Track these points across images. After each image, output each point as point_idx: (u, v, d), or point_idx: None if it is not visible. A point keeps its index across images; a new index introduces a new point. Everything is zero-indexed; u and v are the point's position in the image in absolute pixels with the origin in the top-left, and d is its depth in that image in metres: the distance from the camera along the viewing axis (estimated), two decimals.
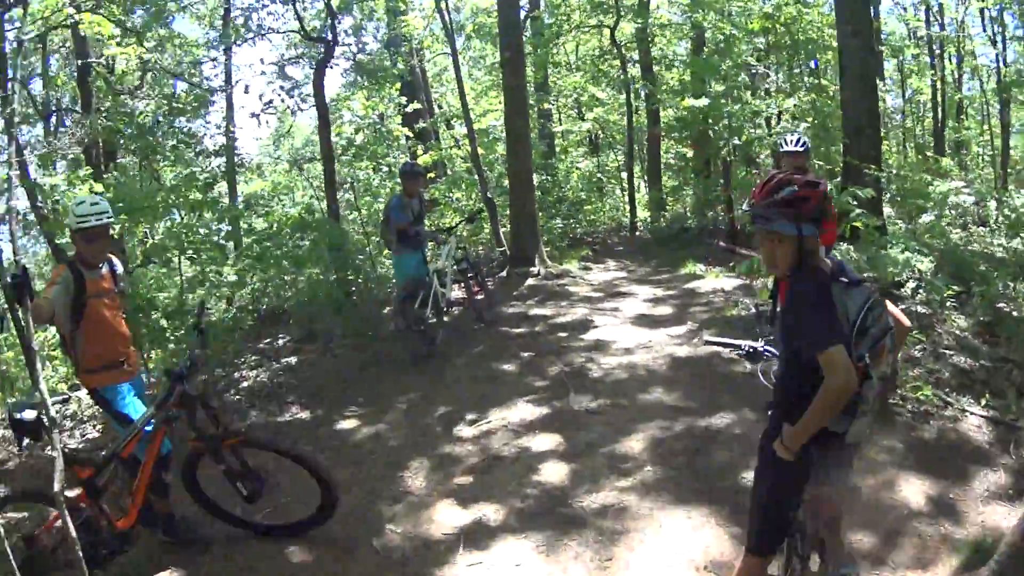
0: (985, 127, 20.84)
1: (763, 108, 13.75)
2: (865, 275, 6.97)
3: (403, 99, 15.02)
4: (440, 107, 21.39)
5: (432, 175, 15.42)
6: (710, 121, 13.82)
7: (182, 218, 9.03)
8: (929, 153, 16.94)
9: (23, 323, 3.39)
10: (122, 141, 12.97)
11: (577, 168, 19.52)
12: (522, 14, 13.20)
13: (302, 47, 15.05)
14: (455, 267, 8.71)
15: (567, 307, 9.69)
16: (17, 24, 8.19)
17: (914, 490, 4.60)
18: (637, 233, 17.40)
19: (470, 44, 21.70)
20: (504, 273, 11.72)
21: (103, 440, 6.37)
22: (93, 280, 4.47)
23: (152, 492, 4.29)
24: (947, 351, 6.42)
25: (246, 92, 17.70)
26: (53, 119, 15.46)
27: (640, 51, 18.04)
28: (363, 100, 14.13)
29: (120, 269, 4.78)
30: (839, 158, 11.93)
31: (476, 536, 4.42)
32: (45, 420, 2.88)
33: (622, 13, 16.67)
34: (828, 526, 3.03)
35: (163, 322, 7.43)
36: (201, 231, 8.55)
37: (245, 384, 7.79)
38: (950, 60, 21.20)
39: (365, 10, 13.94)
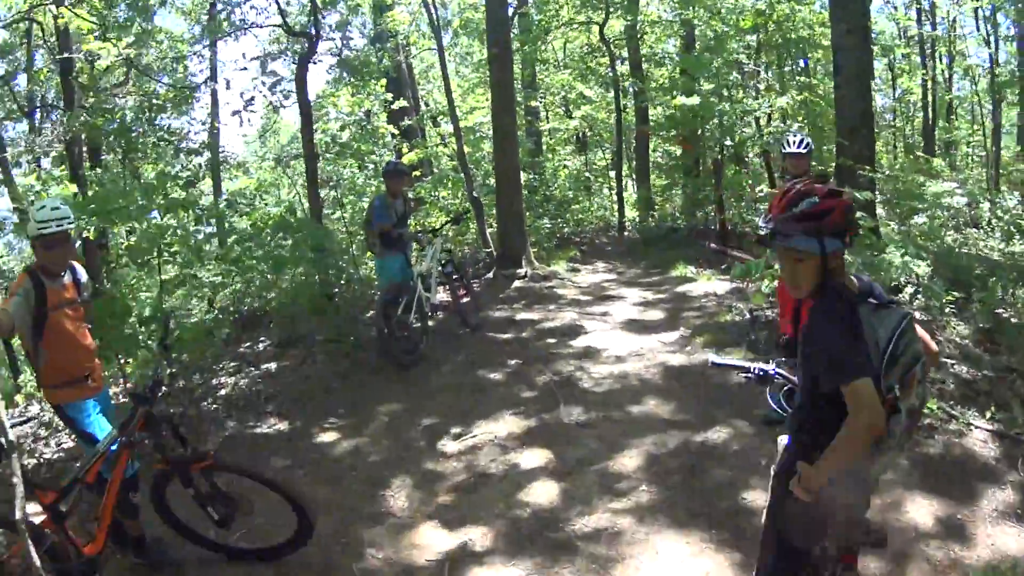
0: (975, 127, 20.77)
1: (755, 107, 13.52)
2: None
3: (389, 96, 14.72)
4: (426, 104, 21.09)
5: (418, 173, 15.16)
6: (701, 119, 13.60)
7: (161, 218, 8.71)
8: (919, 153, 16.80)
9: None
10: (105, 139, 12.65)
11: (565, 166, 19.29)
12: (510, 10, 12.92)
13: (285, 43, 14.74)
14: (440, 269, 8.43)
15: (555, 311, 9.43)
16: None
17: (921, 511, 4.38)
18: (626, 233, 17.18)
19: (457, 41, 21.44)
20: (490, 275, 11.45)
21: (78, 451, 6.07)
22: (55, 290, 4.18)
23: (121, 513, 4.04)
24: (949, 360, 6.20)
25: (227, 88, 17.34)
26: (38, 116, 15.11)
27: (629, 48, 17.81)
28: (349, 97, 13.84)
29: (84, 278, 4.48)
30: (832, 158, 11.73)
31: (461, 562, 4.16)
32: (4, 443, 2.63)
33: (611, 10, 16.41)
34: (846, 566, 2.79)
35: (137, 328, 7.12)
36: (179, 232, 8.23)
37: (223, 392, 7.49)
38: (940, 60, 21.10)
39: (351, 4, 13.67)
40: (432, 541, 4.40)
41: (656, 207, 17.67)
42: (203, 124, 16.49)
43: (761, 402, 5.77)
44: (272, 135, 24.42)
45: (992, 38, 18.67)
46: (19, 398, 8.79)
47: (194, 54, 16.26)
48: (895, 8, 20.99)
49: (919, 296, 7.34)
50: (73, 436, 5.72)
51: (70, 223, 4.15)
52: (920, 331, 2.58)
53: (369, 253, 8.92)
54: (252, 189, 15.97)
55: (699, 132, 14.87)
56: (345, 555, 4.31)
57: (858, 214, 7.29)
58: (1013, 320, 7.12)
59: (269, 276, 9.32)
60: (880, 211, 11.75)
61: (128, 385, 7.38)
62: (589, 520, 4.42)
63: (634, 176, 19.53)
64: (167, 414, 4.22)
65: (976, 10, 18.35)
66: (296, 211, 11.47)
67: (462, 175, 12.88)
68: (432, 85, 23.01)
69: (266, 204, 15.70)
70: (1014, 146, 20.19)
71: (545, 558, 4.11)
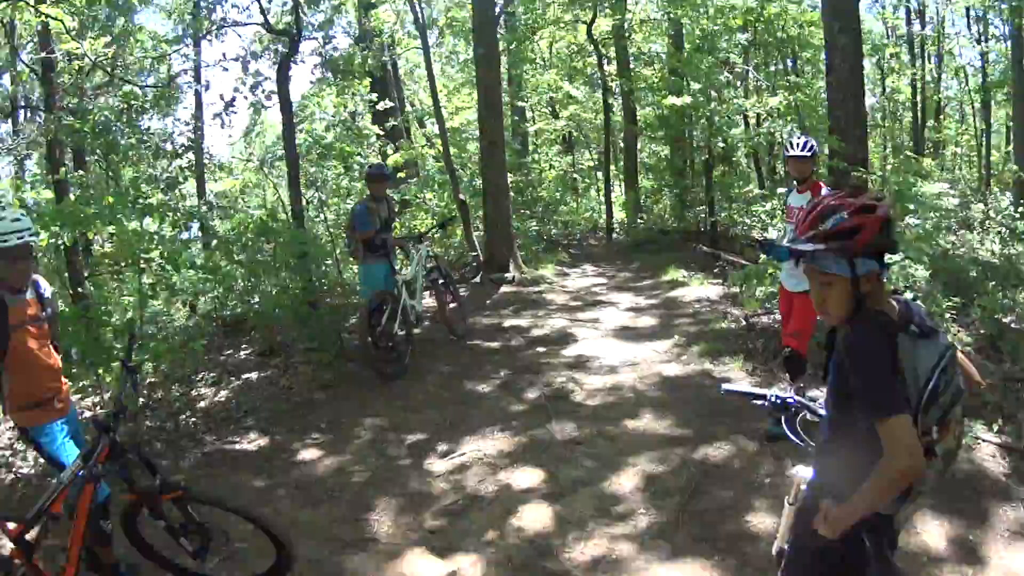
0: (963, 127, 20.70)
1: (747, 107, 13.33)
2: None
3: (374, 96, 14.43)
4: (412, 105, 20.77)
5: (402, 175, 14.90)
6: (692, 119, 13.40)
7: (140, 223, 8.41)
8: (909, 153, 16.65)
9: None
10: (84, 141, 12.31)
11: (552, 167, 19.07)
12: (496, 9, 12.66)
13: (268, 42, 14.42)
14: (425, 276, 8.16)
15: (544, 317, 9.19)
16: None
17: (933, 532, 4.15)
18: (614, 235, 16.99)
19: (443, 40, 21.15)
20: (477, 279, 11.21)
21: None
22: (17, 307, 3.86)
23: (93, 542, 3.76)
24: None
25: (206, 89, 17.00)
26: (22, 116, 14.77)
27: (617, 48, 17.59)
28: (334, 98, 13.57)
29: (48, 292, 4.16)
30: (823, 159, 11.54)
31: None
32: None
33: (599, 8, 16.19)
34: None
35: (112, 339, 6.82)
36: (156, 238, 7.94)
37: (203, 404, 7.21)
38: (928, 60, 21.02)
39: (335, 3, 13.34)
40: (419, 570, 4.13)
41: (645, 209, 17.46)
42: (187, 125, 16.19)
43: (761, 416, 5.56)
44: (258, 136, 24.05)
45: (983, 38, 18.59)
46: None
47: (174, 52, 15.86)
48: (883, 7, 20.88)
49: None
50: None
51: (32, 235, 3.85)
52: (963, 361, 2.34)
53: (352, 259, 8.61)
54: (236, 191, 15.77)
55: (688, 133, 14.68)
56: None
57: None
58: (1014, 326, 6.95)
59: (251, 281, 9.08)
60: None
61: (108, 396, 7.14)
62: (585, 547, 4.16)
63: (622, 177, 19.32)
64: (134, 441, 3.93)
65: (967, 9, 18.26)
66: (277, 214, 11.20)
67: (448, 177, 12.61)
68: (418, 86, 22.72)
69: (246, 207, 15.46)
70: (1004, 146, 20.13)
71: None
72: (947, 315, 6.98)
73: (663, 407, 6.01)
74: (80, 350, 6.50)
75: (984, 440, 5.12)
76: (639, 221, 16.33)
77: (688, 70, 13.55)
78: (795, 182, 5.25)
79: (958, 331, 7.11)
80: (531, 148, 20.38)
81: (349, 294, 10.04)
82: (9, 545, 3.54)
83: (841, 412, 2.25)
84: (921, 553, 3.99)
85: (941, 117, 22.07)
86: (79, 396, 7.79)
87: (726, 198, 14.71)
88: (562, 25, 18.67)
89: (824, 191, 5.05)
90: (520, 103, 19.37)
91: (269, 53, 13.77)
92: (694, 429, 5.54)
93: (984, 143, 18.63)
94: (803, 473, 2.74)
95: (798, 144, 5.02)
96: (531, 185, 17.30)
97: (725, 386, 2.89)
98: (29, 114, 14.89)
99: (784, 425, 2.79)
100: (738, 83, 16.18)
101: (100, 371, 6.89)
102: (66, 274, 11.47)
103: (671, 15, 15.19)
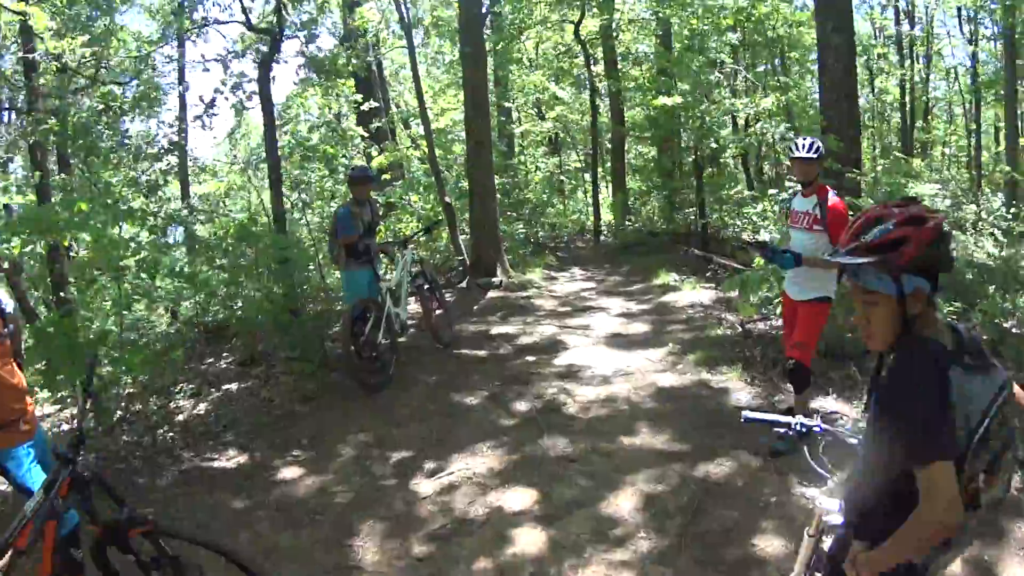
0: (951, 127, 20.64)
1: (739, 107, 13.13)
2: None
3: (358, 97, 14.12)
4: (397, 106, 20.46)
5: (387, 176, 14.61)
6: (683, 120, 13.19)
7: (118, 229, 8.09)
8: (898, 154, 16.54)
9: None
10: (63, 143, 11.98)
11: (538, 169, 18.83)
12: (483, 8, 12.40)
13: (251, 42, 14.11)
14: (411, 282, 7.88)
15: (533, 324, 8.92)
16: None
17: None
18: (602, 238, 16.76)
19: (428, 40, 20.88)
20: (464, 284, 10.93)
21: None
22: None
23: (63, 571, 3.47)
24: None
25: (186, 90, 16.65)
26: (5, 117, 14.42)
27: (604, 48, 17.38)
28: (320, 99, 13.28)
29: (9, 307, 3.87)
30: None
31: None
32: None
33: (587, 8, 15.97)
34: None
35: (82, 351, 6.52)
36: (131, 245, 7.62)
37: (181, 417, 6.91)
38: (917, 60, 20.94)
39: (319, 2, 13.05)
40: None
41: (633, 211, 17.24)
42: (171, 127, 15.84)
43: (763, 429, 5.32)
44: (243, 138, 23.70)
45: (973, 38, 18.52)
46: None
47: (156, 52, 15.53)
48: (871, 8, 20.78)
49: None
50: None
51: None
52: (1020, 396, 2.07)
53: (335, 266, 8.30)
54: (221, 193, 15.47)
55: (677, 133, 14.48)
56: None
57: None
58: (1015, 331, 6.76)
59: (233, 286, 8.80)
60: None
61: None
62: (583, 575, 3.91)
63: (609, 179, 19.11)
64: (97, 471, 3.64)
65: (959, 9, 18.16)
66: (258, 218, 10.92)
67: (433, 179, 12.32)
68: (403, 87, 22.42)
69: (228, 210, 15.14)
70: (993, 146, 20.09)
71: None
72: (945, 320, 6.79)
73: (659, 420, 5.75)
74: (55, 361, 6.23)
75: None
76: (627, 223, 16.10)
77: (678, 70, 13.33)
78: (800, 185, 4.97)
79: None
80: (517, 149, 20.12)
81: (333, 300, 9.76)
82: None
83: (879, 448, 2.00)
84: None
85: (929, 118, 22.00)
86: (58, 407, 7.55)
87: (716, 200, 14.52)
88: (549, 25, 18.45)
89: (830, 195, 4.81)
90: (507, 103, 19.11)
91: (251, 53, 13.50)
92: (693, 444, 5.29)
93: (975, 143, 18.54)
94: (826, 504, 2.52)
95: (803, 145, 4.76)
96: (518, 187, 17.04)
97: (746, 413, 2.64)
98: (14, 116, 14.52)
99: (807, 454, 2.54)
100: (727, 83, 15.99)
101: (77, 382, 6.62)
102: (48, 280, 11.18)
103: (660, 15, 14.98)
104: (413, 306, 8.64)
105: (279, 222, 10.39)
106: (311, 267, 10.04)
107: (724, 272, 10.73)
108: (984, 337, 6.62)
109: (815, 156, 4.72)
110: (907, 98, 20.44)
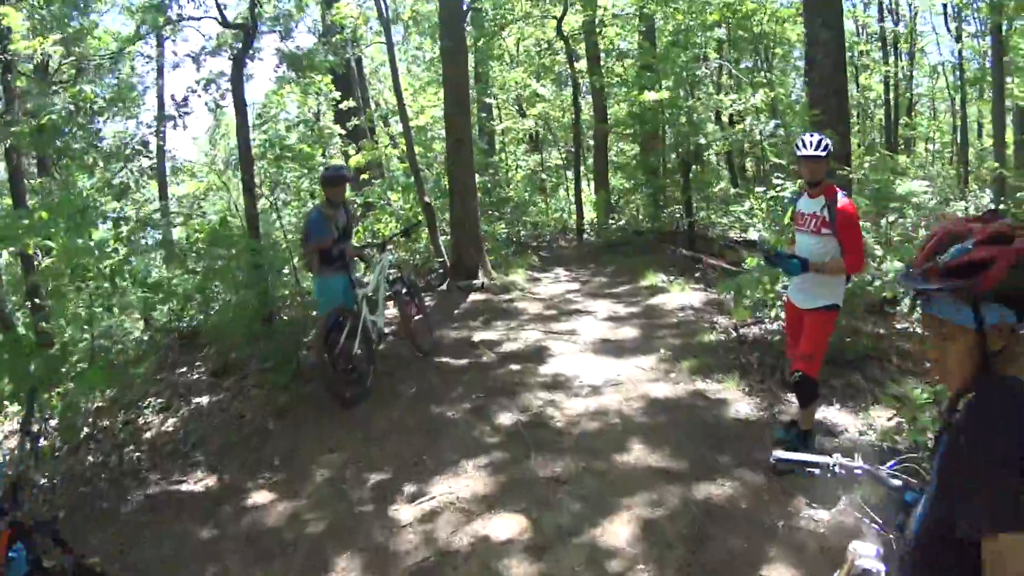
0: (935, 123, 20.52)
1: (728, 103, 12.83)
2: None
3: (337, 95, 13.71)
4: (377, 104, 20.00)
5: (366, 176, 14.20)
6: (669, 116, 12.88)
7: (86, 236, 7.67)
8: (883, 151, 16.31)
9: None
10: (39, 144, 11.51)
11: (519, 167, 18.48)
12: (464, 4, 12.01)
13: (227, 39, 13.68)
14: (389, 286, 7.48)
15: (517, 329, 8.55)
16: None
17: None
18: (585, 236, 16.43)
19: (408, 36, 20.47)
20: (444, 286, 10.55)
21: None
22: None
23: None
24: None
25: (162, 90, 16.19)
26: None
27: (587, 44, 17.04)
28: (300, 96, 12.87)
29: None
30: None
31: None
32: None
33: (570, 3, 15.62)
34: None
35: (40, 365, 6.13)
36: (96, 252, 7.21)
37: (149, 434, 6.53)
38: (900, 57, 20.80)
39: None
40: None
41: (617, 209, 16.90)
42: (149, 127, 15.41)
43: (764, 444, 5.01)
44: (223, 138, 23.23)
45: (959, 35, 18.38)
46: None
47: (127, 50, 15.02)
48: (854, 5, 20.60)
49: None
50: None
51: None
52: None
53: (308, 272, 7.87)
54: (200, 193, 15.06)
55: (662, 130, 14.16)
56: None
57: None
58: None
59: (207, 291, 8.42)
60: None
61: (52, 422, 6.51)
62: None
63: (591, 176, 18.77)
64: (42, 518, 3.27)
65: (944, 6, 18.04)
66: (229, 222, 10.50)
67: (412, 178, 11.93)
68: (383, 85, 22.02)
69: (203, 212, 14.73)
70: (976, 142, 19.99)
71: None
72: None
73: (654, 434, 5.39)
74: (8, 376, 5.87)
75: None
76: (611, 221, 15.75)
77: (664, 65, 13.01)
78: (807, 185, 4.60)
79: None
80: (498, 147, 19.75)
81: (309, 305, 9.35)
82: None
83: (942, 504, 1.65)
84: None
85: (912, 114, 21.88)
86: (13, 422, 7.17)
87: (703, 198, 14.23)
88: (531, 20, 18.11)
89: (840, 196, 4.48)
90: (488, 99, 18.73)
91: (226, 50, 13.06)
92: (691, 461, 4.94)
93: (961, 140, 18.41)
94: (862, 550, 2.19)
95: (811, 142, 4.39)
96: (499, 185, 16.66)
97: (776, 454, 2.29)
98: None
99: (845, 498, 2.21)
100: (712, 78, 15.72)
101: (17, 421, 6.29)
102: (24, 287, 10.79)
103: (644, 10, 14.67)
104: (391, 310, 8.25)
105: (252, 224, 9.96)
106: (286, 271, 9.61)
107: (713, 272, 10.43)
108: None
109: (823, 153, 4.36)
110: (891, 95, 20.28)
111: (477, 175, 12.43)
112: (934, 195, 11.82)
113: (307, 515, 4.75)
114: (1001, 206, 10.79)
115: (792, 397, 5.66)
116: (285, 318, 8.79)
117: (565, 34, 16.60)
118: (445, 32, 10.94)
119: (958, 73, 18.91)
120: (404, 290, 7.61)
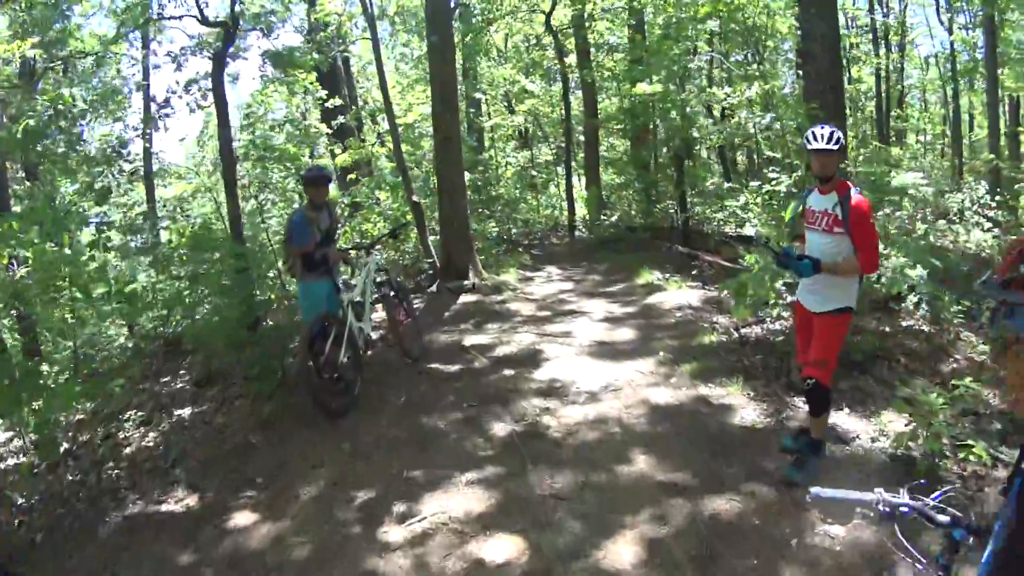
0: (926, 115, 20.38)
1: (721, 97, 12.59)
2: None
3: (323, 92, 13.43)
4: (364, 103, 19.69)
5: (353, 176, 13.94)
6: (661, 110, 12.64)
7: (68, 244, 7.39)
8: (877, 143, 16.14)
9: None
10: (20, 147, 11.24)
11: (509, 164, 18.23)
12: (451, 1, 11.75)
13: (212, 39, 13.39)
14: (375, 291, 7.21)
15: (510, 332, 8.29)
16: None
17: None
18: (577, 233, 16.19)
19: (395, 32, 20.18)
20: (433, 288, 10.28)
21: None
22: None
23: None
24: (986, 391, 5.26)
25: (138, 91, 15.92)
26: None
27: (576, 37, 16.79)
28: (287, 97, 12.61)
29: None
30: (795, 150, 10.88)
31: None
32: None
33: None
34: None
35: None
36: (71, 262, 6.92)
37: (129, 450, 6.26)
38: (890, 49, 20.63)
39: None
40: None
41: (609, 205, 16.67)
42: (134, 130, 15.13)
43: (773, 454, 4.78)
44: (211, 139, 22.95)
45: (950, 26, 18.24)
46: None
47: (109, 52, 14.71)
48: None
49: (923, 306, 6.49)
50: None
51: None
52: None
53: (292, 276, 7.59)
54: (188, 195, 14.82)
55: (654, 124, 13.94)
56: None
57: None
58: None
59: (193, 295, 8.16)
60: None
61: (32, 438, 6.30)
62: None
63: (582, 172, 18.53)
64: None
65: None
66: (213, 225, 10.27)
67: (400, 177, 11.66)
68: (370, 83, 21.67)
69: (188, 214, 14.45)
70: (968, 133, 19.88)
71: None
72: (955, 320, 6.40)
73: (657, 444, 5.13)
74: None
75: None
76: (603, 218, 15.51)
77: (656, 59, 12.76)
78: (818, 181, 4.34)
79: (968, 335, 6.50)
80: (487, 144, 19.48)
81: (295, 310, 9.07)
82: None
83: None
84: None
85: (903, 106, 21.73)
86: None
87: (696, 193, 14.01)
88: (519, 16, 17.86)
89: (853, 192, 4.22)
90: (476, 95, 18.47)
91: (207, 50, 12.78)
92: (696, 472, 4.69)
93: (954, 131, 18.27)
94: None
95: (822, 135, 4.12)
96: (489, 183, 16.40)
97: (813, 490, 2.04)
98: None
99: (894, 543, 1.96)
100: (704, 70, 15.51)
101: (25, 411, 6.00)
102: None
103: (634, 3, 14.42)
104: (379, 314, 7.98)
105: (235, 227, 9.69)
106: (271, 274, 9.34)
107: (710, 269, 10.20)
108: (995, 338, 6.15)
109: (835, 147, 4.09)
110: (882, 87, 20.11)
111: (466, 173, 12.17)
112: (930, 187, 11.65)
113: (291, 538, 4.47)
114: (997, 197, 10.67)
115: (799, 402, 5.44)
116: (271, 323, 8.53)
117: (554, 29, 16.38)
118: (432, 28, 10.67)
119: (949, 65, 18.79)
120: (392, 293, 7.34)
